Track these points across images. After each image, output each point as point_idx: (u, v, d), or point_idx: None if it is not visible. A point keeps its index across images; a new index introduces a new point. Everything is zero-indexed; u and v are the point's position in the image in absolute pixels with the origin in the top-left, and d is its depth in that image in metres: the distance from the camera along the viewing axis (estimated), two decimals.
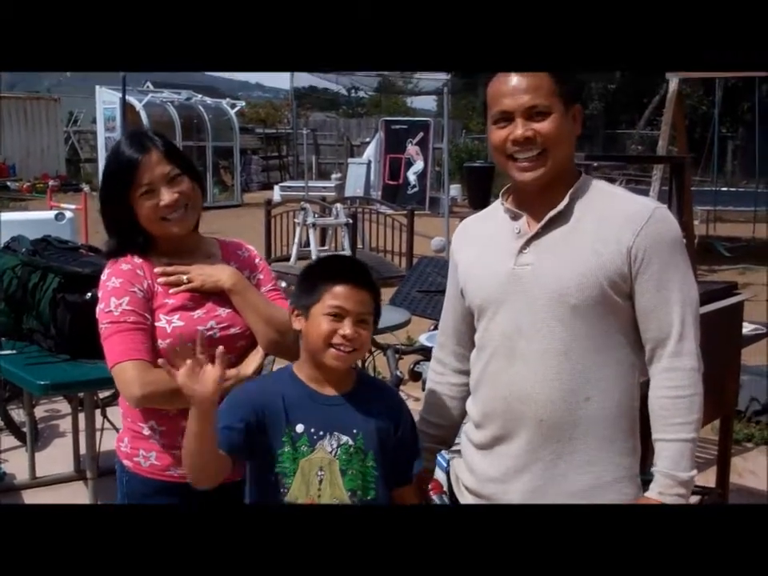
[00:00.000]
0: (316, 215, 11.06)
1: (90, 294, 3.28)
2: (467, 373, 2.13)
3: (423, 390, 2.49)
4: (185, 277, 2.17)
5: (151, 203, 2.11)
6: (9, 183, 21.21)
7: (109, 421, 4.14)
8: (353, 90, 33.36)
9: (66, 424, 5.17)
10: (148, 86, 20.33)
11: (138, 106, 18.37)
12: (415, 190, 18.05)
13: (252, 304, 2.19)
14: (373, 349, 4.78)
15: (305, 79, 28.44)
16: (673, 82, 9.09)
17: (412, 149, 18.21)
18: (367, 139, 21.72)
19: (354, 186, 17.93)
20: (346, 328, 1.89)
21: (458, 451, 2.19)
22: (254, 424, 1.89)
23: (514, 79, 1.90)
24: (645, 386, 1.95)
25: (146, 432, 2.16)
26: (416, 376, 4.19)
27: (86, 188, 11.06)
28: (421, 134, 18.16)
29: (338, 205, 11.37)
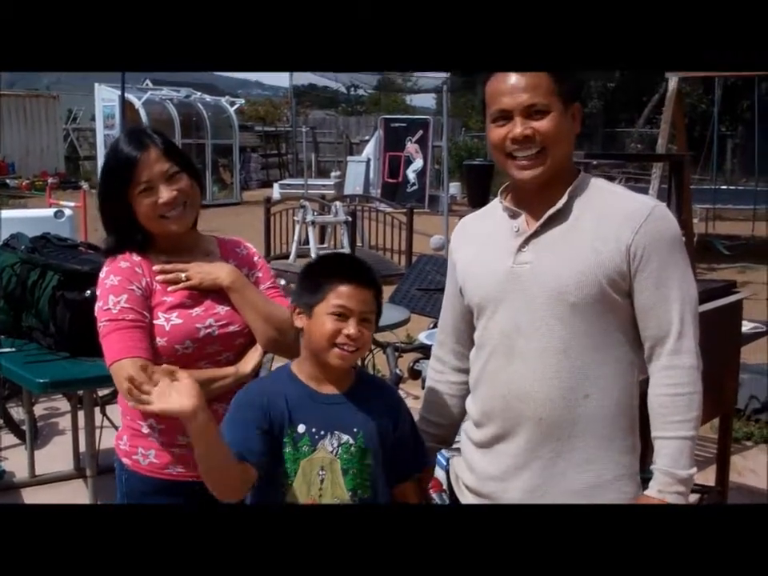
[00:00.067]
0: (315, 213, 11.06)
1: (89, 292, 3.27)
2: (467, 371, 2.13)
3: (423, 388, 2.49)
4: (183, 274, 2.17)
5: (150, 201, 2.11)
6: (8, 181, 21.19)
7: (108, 419, 4.14)
8: (352, 88, 33.38)
9: (65, 422, 5.17)
10: (147, 84, 20.29)
11: (138, 103, 18.36)
12: (414, 188, 18.04)
13: (251, 302, 2.19)
14: (372, 347, 4.78)
15: (304, 77, 28.50)
16: (672, 80, 9.10)
17: (411, 147, 18.20)
18: (366, 137, 21.71)
19: (354, 183, 17.92)
20: (351, 327, 1.89)
21: (458, 450, 2.19)
22: (266, 427, 1.88)
23: (513, 78, 1.90)
24: (644, 384, 1.96)
25: (145, 430, 2.16)
26: (415, 374, 4.19)
27: (85, 186, 11.04)
28: (420, 132, 18.15)
29: (338, 203, 11.36)
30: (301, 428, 1.90)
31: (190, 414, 1.74)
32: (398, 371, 4.26)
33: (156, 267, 2.17)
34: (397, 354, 4.37)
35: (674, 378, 1.89)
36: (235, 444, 1.85)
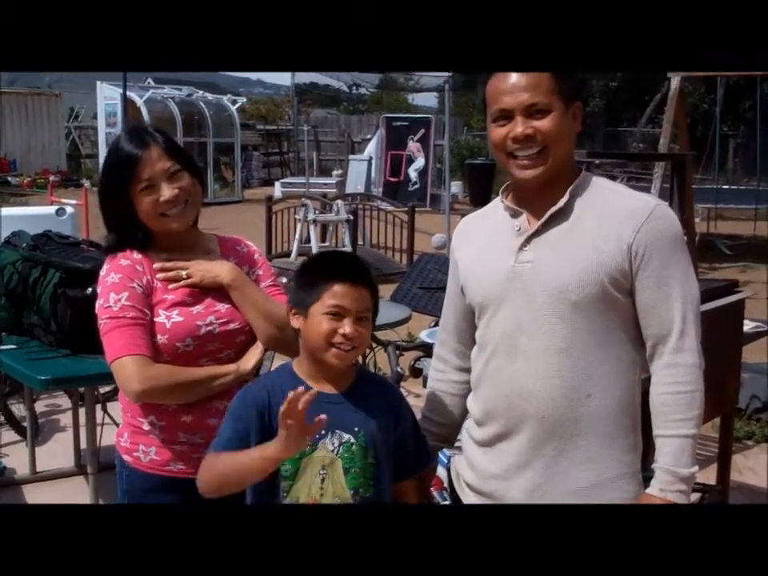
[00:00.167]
0: (317, 212, 11.06)
1: (90, 289, 3.27)
2: (469, 370, 2.13)
3: (424, 386, 2.49)
4: (184, 272, 2.17)
5: (151, 199, 2.11)
6: (10, 178, 21.20)
7: (109, 416, 4.15)
8: (354, 87, 33.37)
9: (66, 419, 5.18)
10: (149, 82, 20.27)
11: (139, 101, 18.35)
12: (416, 186, 18.03)
13: (251, 299, 2.19)
14: (373, 345, 4.78)
15: (306, 76, 28.52)
16: (674, 79, 9.10)
17: (413, 146, 18.19)
18: (368, 136, 21.71)
19: (355, 182, 17.92)
20: (347, 327, 1.88)
21: (459, 448, 2.19)
22: (266, 423, 1.88)
23: (514, 77, 1.89)
24: (646, 383, 1.96)
25: (146, 427, 2.16)
26: (417, 372, 4.18)
27: (86, 183, 11.06)
28: (422, 131, 18.14)
29: (339, 201, 11.36)
30: None
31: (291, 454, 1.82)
32: (399, 369, 4.25)
33: (156, 265, 2.17)
34: (398, 352, 4.36)
35: (676, 377, 1.89)
36: (236, 438, 1.86)
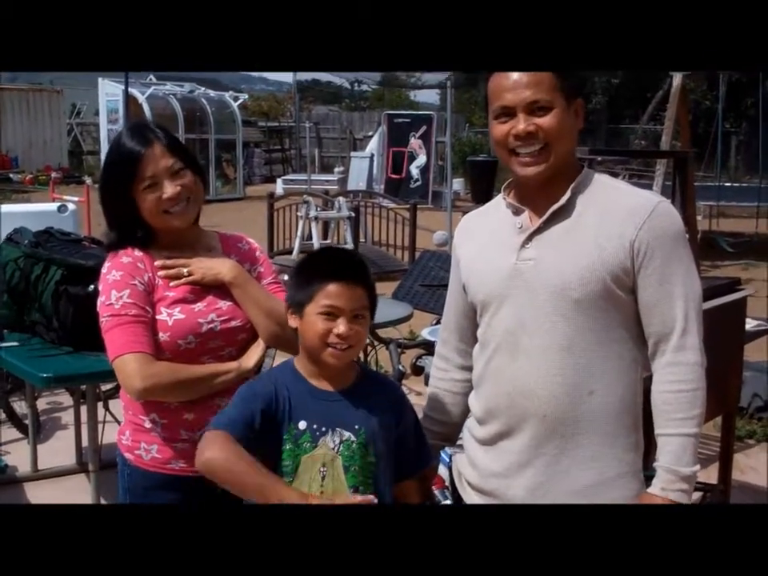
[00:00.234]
0: (319, 209, 11.05)
1: (92, 287, 3.27)
2: (470, 368, 2.13)
3: (426, 384, 2.48)
4: (185, 270, 2.17)
5: (154, 196, 2.11)
6: (11, 175, 21.21)
7: (111, 413, 4.15)
8: (356, 84, 33.28)
9: (68, 416, 5.18)
10: (151, 79, 20.27)
11: (141, 98, 18.36)
12: (418, 183, 18.03)
13: (252, 297, 2.19)
14: (375, 343, 4.78)
15: (308, 73, 28.44)
16: (677, 77, 9.08)
17: (415, 142, 18.19)
18: (370, 133, 21.71)
19: (357, 179, 17.92)
20: (341, 326, 1.87)
21: (461, 446, 2.18)
22: (272, 411, 1.88)
23: (516, 74, 1.89)
24: (648, 381, 1.95)
25: (148, 425, 2.16)
26: (418, 370, 4.18)
27: (88, 180, 11.05)
28: (424, 128, 18.14)
29: (341, 198, 11.36)
30: (302, 425, 1.89)
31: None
32: (400, 367, 4.25)
33: (158, 263, 2.16)
34: (399, 350, 4.36)
35: (678, 375, 1.88)
36: (242, 421, 1.85)
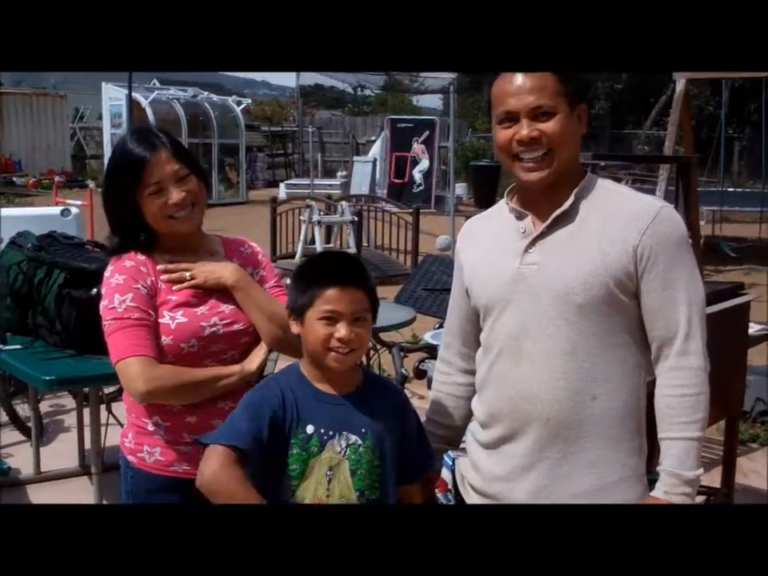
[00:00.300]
0: (321, 213, 11.06)
1: (95, 290, 3.27)
2: (473, 373, 2.13)
3: (428, 387, 2.48)
4: (187, 274, 2.17)
5: (159, 202, 2.10)
6: (15, 179, 21.24)
7: (114, 416, 4.15)
8: (359, 89, 33.37)
9: (70, 419, 5.19)
10: (154, 83, 20.31)
11: (144, 102, 18.39)
12: (421, 188, 18.03)
13: (255, 300, 2.19)
14: (378, 346, 4.79)
15: (311, 77, 28.55)
16: (680, 82, 9.07)
17: (418, 147, 18.18)
18: (373, 137, 21.71)
19: (360, 184, 17.92)
20: (341, 330, 1.87)
21: (464, 450, 2.18)
22: (279, 418, 1.88)
23: (519, 79, 1.89)
24: (651, 386, 1.95)
25: (151, 428, 2.16)
26: (421, 374, 4.19)
27: (91, 184, 11.07)
28: (426, 133, 18.13)
29: (344, 203, 11.37)
30: (309, 429, 1.89)
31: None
32: (403, 371, 4.26)
33: (160, 267, 2.17)
34: (402, 353, 4.37)
35: (681, 379, 1.88)
36: (250, 435, 1.84)
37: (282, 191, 17.22)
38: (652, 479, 1.94)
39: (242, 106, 21.12)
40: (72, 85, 30.60)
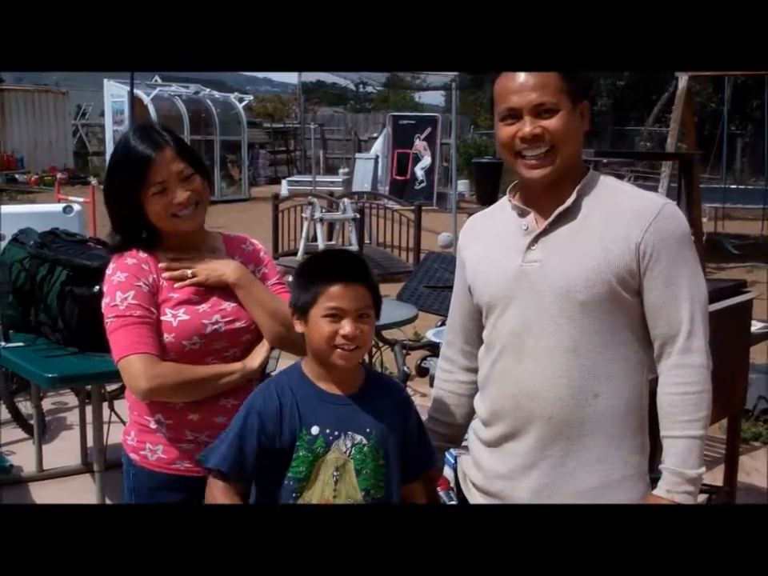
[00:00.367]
0: (323, 210, 11.06)
1: (97, 287, 3.27)
2: (476, 370, 2.12)
3: (430, 385, 2.48)
4: (189, 271, 2.17)
5: (163, 201, 2.10)
6: (17, 176, 21.26)
7: (116, 414, 4.15)
8: (361, 85, 33.39)
9: (73, 417, 5.19)
10: (156, 80, 20.28)
11: (146, 99, 18.40)
12: (423, 185, 18.03)
13: (257, 298, 2.19)
14: (380, 344, 4.78)
15: (313, 74, 28.56)
16: (682, 79, 9.08)
17: (420, 144, 18.18)
18: (375, 134, 21.71)
19: (362, 181, 17.91)
20: (346, 327, 1.87)
21: (466, 448, 2.18)
22: (271, 439, 1.89)
23: (522, 76, 1.89)
24: (653, 384, 1.95)
25: (153, 425, 2.16)
26: (423, 372, 4.19)
27: (93, 181, 11.03)
28: (428, 130, 18.14)
29: (346, 200, 11.37)
30: (314, 430, 1.88)
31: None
32: (405, 369, 4.25)
33: (162, 265, 2.16)
34: (404, 351, 4.36)
35: (684, 377, 1.88)
36: (233, 459, 1.89)
37: (283, 188, 17.20)
38: (655, 478, 1.94)
39: (243, 103, 21.13)
40: (74, 82, 30.62)
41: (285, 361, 2.15)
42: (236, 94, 22.39)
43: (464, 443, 2.23)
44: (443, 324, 2.87)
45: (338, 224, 11.38)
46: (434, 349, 4.06)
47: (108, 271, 2.16)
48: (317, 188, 13.61)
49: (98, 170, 20.84)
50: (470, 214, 2.26)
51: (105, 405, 3.90)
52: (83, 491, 4.20)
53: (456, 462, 2.23)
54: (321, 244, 10.43)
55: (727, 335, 3.31)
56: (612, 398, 1.91)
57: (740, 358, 3.80)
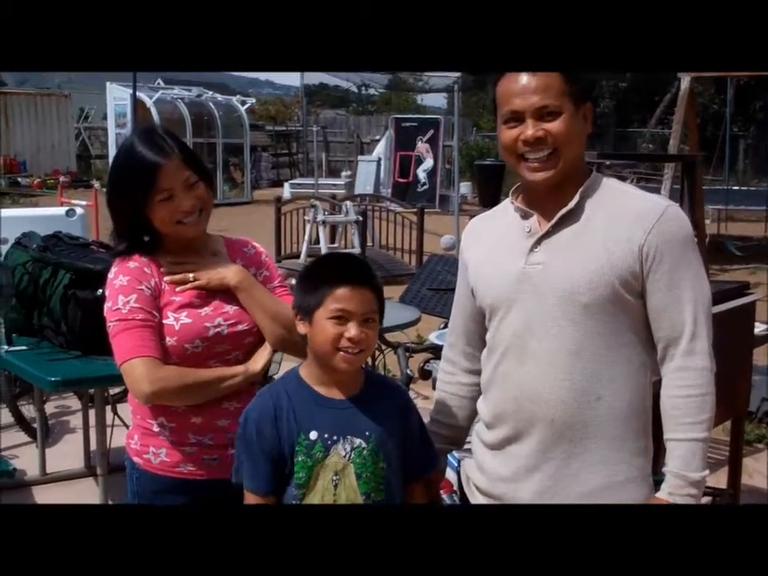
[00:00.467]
0: (326, 213, 11.07)
1: (100, 291, 3.25)
2: (478, 372, 2.12)
3: (433, 388, 2.48)
4: (191, 275, 2.17)
5: (169, 208, 2.10)
6: (19, 179, 21.29)
7: (119, 417, 4.16)
8: (363, 88, 33.35)
9: (76, 420, 5.19)
10: (159, 83, 20.31)
11: (149, 102, 18.40)
12: (425, 187, 18.03)
13: (258, 301, 2.19)
14: (383, 347, 4.78)
15: (315, 76, 28.52)
16: (684, 80, 9.07)
17: (422, 146, 18.18)
18: (377, 137, 21.72)
19: (364, 183, 17.92)
20: (352, 330, 1.86)
21: (469, 451, 2.18)
22: (275, 452, 1.90)
23: (524, 79, 1.89)
24: (657, 386, 1.95)
25: (156, 429, 2.16)
26: (426, 374, 4.19)
27: (96, 184, 11.05)
28: (431, 132, 18.14)
29: (348, 202, 11.38)
30: (313, 435, 1.88)
31: None
32: (408, 371, 4.25)
33: (164, 268, 2.17)
34: (407, 354, 4.36)
35: (687, 380, 1.88)
36: (270, 476, 1.90)
37: (286, 191, 17.22)
38: (658, 480, 1.93)
39: (246, 106, 21.14)
40: (76, 85, 30.67)
41: (287, 364, 2.15)
42: (238, 96, 22.44)
43: (467, 446, 2.22)
44: (446, 326, 2.87)
45: (340, 227, 11.38)
46: (436, 351, 4.05)
47: (110, 275, 2.16)
48: (319, 191, 13.63)
49: (101, 173, 20.86)
50: (473, 217, 2.26)
51: (108, 408, 3.90)
52: (86, 495, 4.19)
53: (459, 465, 2.23)
54: (323, 247, 10.44)
55: (730, 337, 3.30)
56: (615, 400, 1.91)
57: (743, 360, 3.79)
